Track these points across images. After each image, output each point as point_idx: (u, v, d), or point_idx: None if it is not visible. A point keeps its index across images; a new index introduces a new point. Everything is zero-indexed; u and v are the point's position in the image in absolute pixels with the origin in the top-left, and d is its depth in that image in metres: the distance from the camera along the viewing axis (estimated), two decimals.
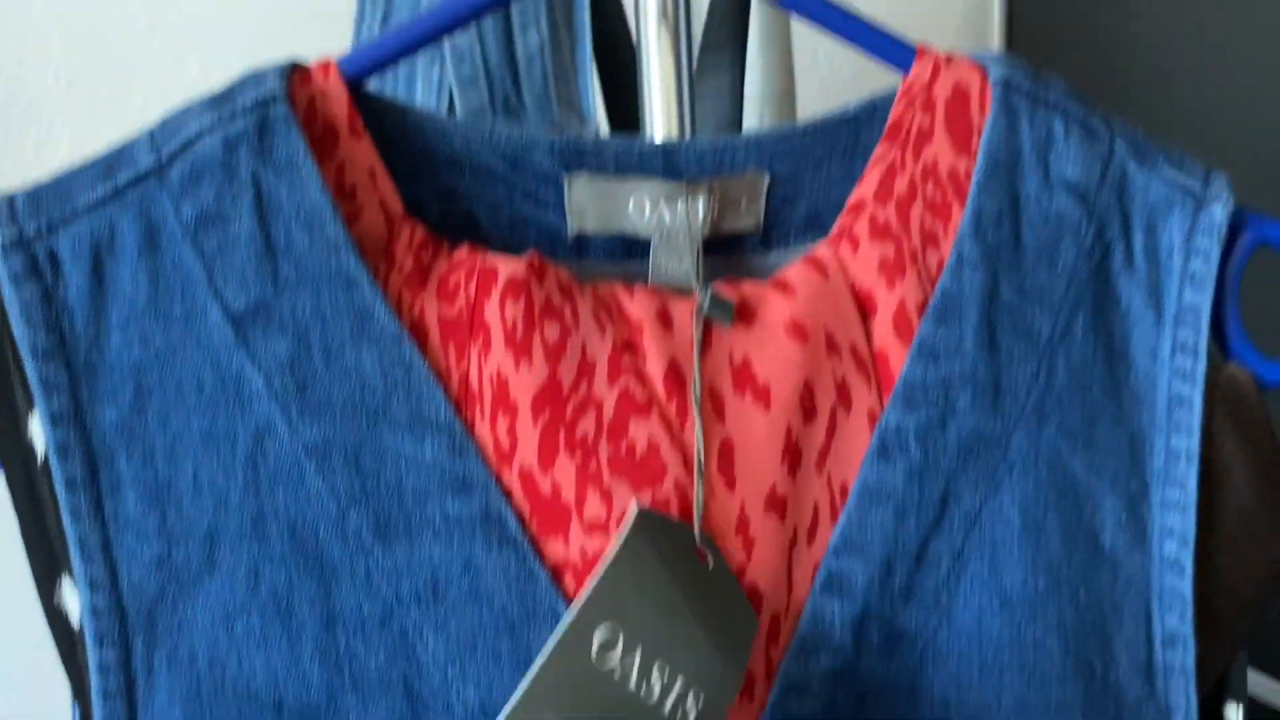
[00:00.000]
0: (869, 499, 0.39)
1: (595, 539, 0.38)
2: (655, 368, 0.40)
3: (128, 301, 0.38)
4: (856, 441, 0.41)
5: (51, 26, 0.94)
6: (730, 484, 0.39)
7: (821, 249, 0.43)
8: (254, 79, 0.40)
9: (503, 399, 0.39)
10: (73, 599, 0.38)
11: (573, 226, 0.43)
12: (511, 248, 0.44)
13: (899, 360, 0.41)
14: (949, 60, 0.43)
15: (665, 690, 0.36)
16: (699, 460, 0.39)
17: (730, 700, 0.37)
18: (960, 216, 0.42)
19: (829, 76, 1.18)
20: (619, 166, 0.43)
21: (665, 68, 0.52)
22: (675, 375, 0.40)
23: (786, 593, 0.39)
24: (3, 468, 0.39)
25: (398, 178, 0.42)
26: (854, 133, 0.44)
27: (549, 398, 0.39)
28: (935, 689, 0.39)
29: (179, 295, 0.38)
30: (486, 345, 0.39)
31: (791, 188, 0.44)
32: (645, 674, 0.36)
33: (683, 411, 0.40)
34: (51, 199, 0.39)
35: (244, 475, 0.37)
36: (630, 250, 0.44)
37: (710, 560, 0.38)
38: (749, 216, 0.44)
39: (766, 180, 0.44)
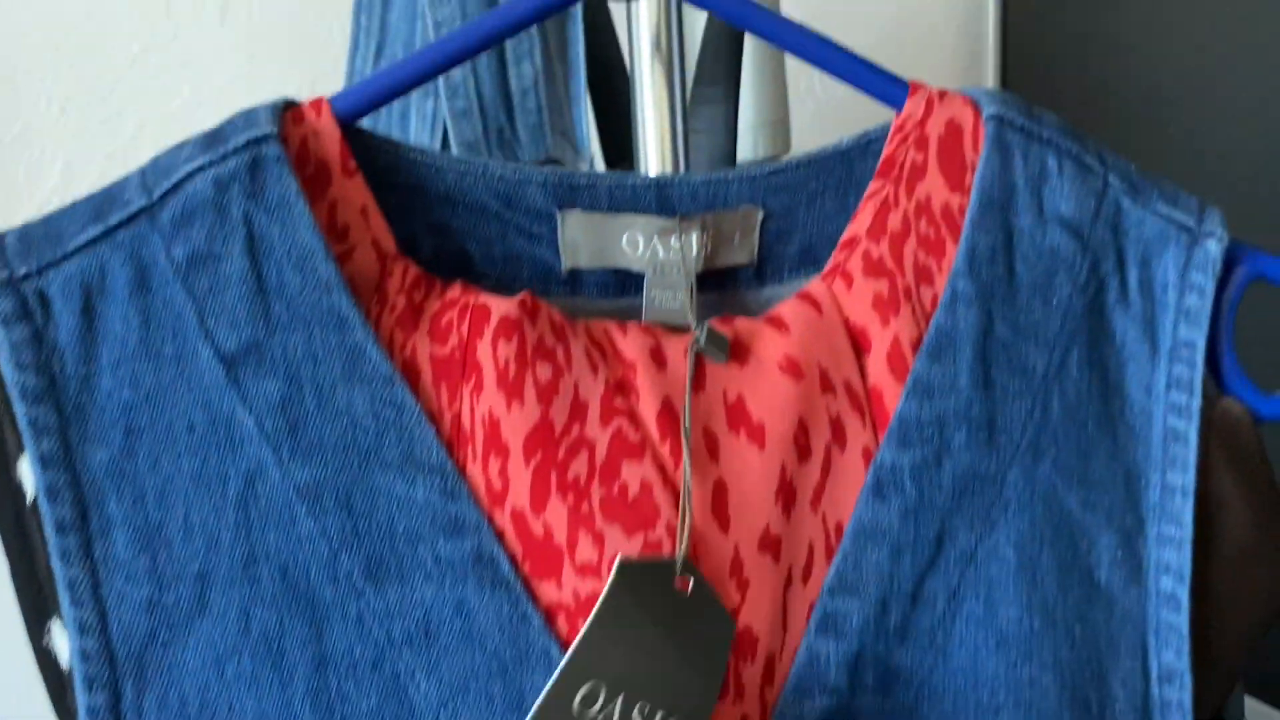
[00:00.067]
0: (864, 538, 0.39)
1: (588, 581, 0.38)
2: (648, 408, 0.40)
3: (118, 342, 0.38)
4: (851, 480, 0.40)
5: (44, 53, 0.94)
6: (724, 525, 0.39)
7: (815, 285, 0.43)
8: (246, 118, 0.40)
9: (495, 440, 0.39)
10: (62, 642, 0.38)
11: (566, 262, 0.43)
12: (505, 283, 0.44)
13: (893, 397, 0.41)
14: (942, 96, 0.43)
15: None
16: (684, 503, 0.39)
17: (708, 711, 0.37)
18: (954, 252, 0.42)
19: (824, 100, 1.19)
20: (612, 202, 0.43)
21: (659, 100, 0.52)
22: (669, 415, 0.40)
23: (781, 634, 0.39)
24: None
25: (390, 214, 0.42)
26: (847, 167, 0.44)
27: (541, 439, 0.39)
28: None
29: (170, 336, 0.38)
30: (479, 386, 0.39)
31: (785, 222, 0.44)
32: (626, 716, 0.36)
33: (676, 453, 0.39)
34: (41, 239, 0.38)
35: (235, 517, 0.37)
36: (624, 286, 0.44)
37: (691, 585, 0.38)
38: (743, 251, 0.44)
39: (760, 215, 0.44)
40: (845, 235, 0.44)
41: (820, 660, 0.39)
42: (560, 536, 0.38)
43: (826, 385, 0.41)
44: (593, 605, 0.37)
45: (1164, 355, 0.42)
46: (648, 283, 0.43)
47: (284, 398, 0.38)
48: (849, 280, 0.43)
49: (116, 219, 0.38)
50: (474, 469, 0.38)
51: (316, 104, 0.41)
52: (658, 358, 0.41)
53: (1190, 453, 0.41)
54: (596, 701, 0.36)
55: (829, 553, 0.40)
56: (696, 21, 0.67)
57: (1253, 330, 0.49)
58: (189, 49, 0.99)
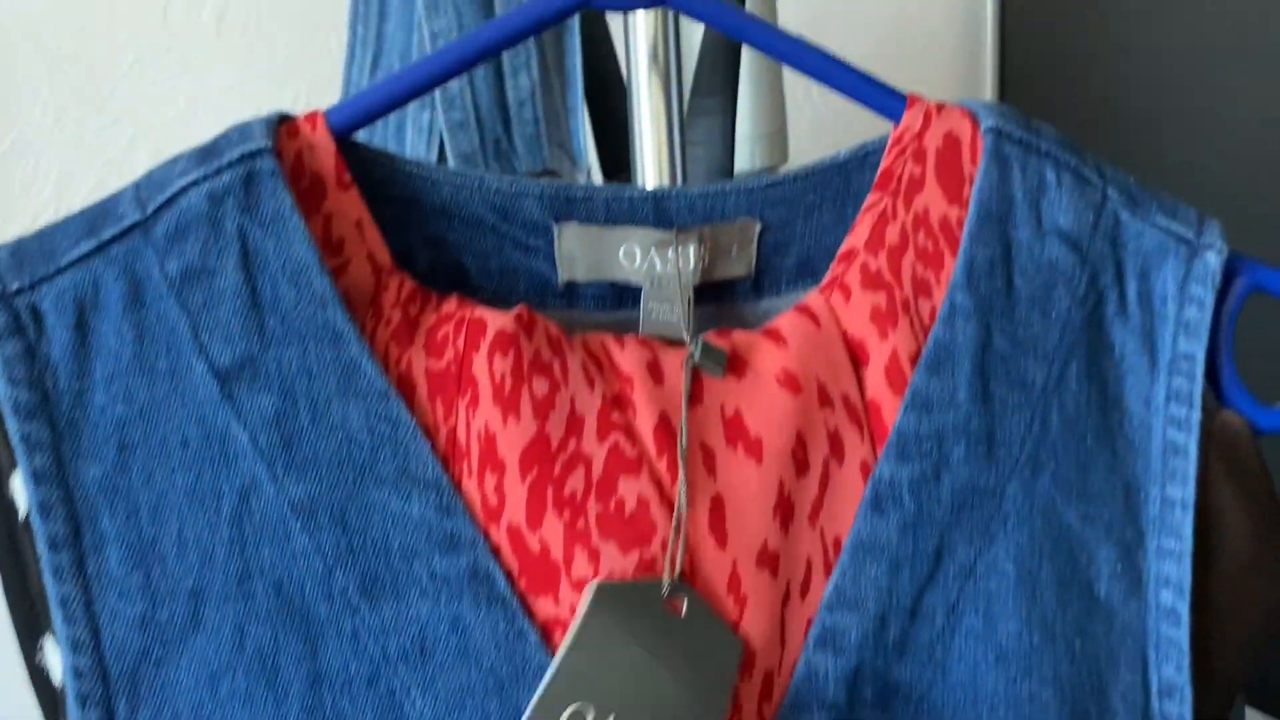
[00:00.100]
0: (862, 552, 0.39)
1: None
2: (645, 423, 0.40)
3: (112, 357, 0.38)
4: (849, 494, 0.40)
5: (38, 63, 0.94)
6: (721, 541, 0.39)
7: (813, 297, 0.43)
8: (240, 132, 0.39)
9: (490, 455, 0.38)
10: (55, 659, 0.37)
11: (563, 275, 0.43)
12: (501, 296, 0.43)
13: (892, 411, 0.40)
14: (940, 109, 0.43)
15: None
16: (678, 514, 0.38)
17: None
18: (952, 265, 0.41)
19: (821, 110, 1.19)
20: (609, 215, 0.43)
21: (656, 111, 0.52)
22: (666, 430, 0.40)
23: (779, 650, 0.39)
24: None
25: (386, 227, 0.42)
26: (845, 179, 0.44)
27: (537, 454, 0.38)
28: None
29: (164, 351, 0.38)
30: (474, 400, 0.39)
31: (783, 235, 0.44)
32: None
33: (673, 468, 0.39)
34: (35, 254, 0.38)
35: (229, 533, 0.37)
36: (621, 299, 0.44)
37: (685, 606, 0.38)
38: (740, 264, 0.44)
39: (758, 227, 0.44)
40: (843, 248, 0.44)
41: (818, 676, 0.38)
42: (557, 552, 0.38)
43: (824, 399, 0.41)
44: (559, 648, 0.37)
45: (1163, 368, 0.42)
46: (645, 295, 0.43)
47: (278, 413, 0.37)
48: (847, 293, 0.42)
49: (110, 233, 0.38)
50: (470, 484, 0.38)
51: (311, 117, 0.41)
52: (655, 372, 0.41)
53: (1190, 466, 0.41)
54: None
55: (827, 568, 0.40)
56: (694, 33, 0.67)
57: (1252, 342, 0.49)
58: (185, 59, 0.98)
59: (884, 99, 0.43)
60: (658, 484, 0.39)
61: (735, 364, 0.41)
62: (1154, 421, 0.41)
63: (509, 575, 0.38)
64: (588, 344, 0.41)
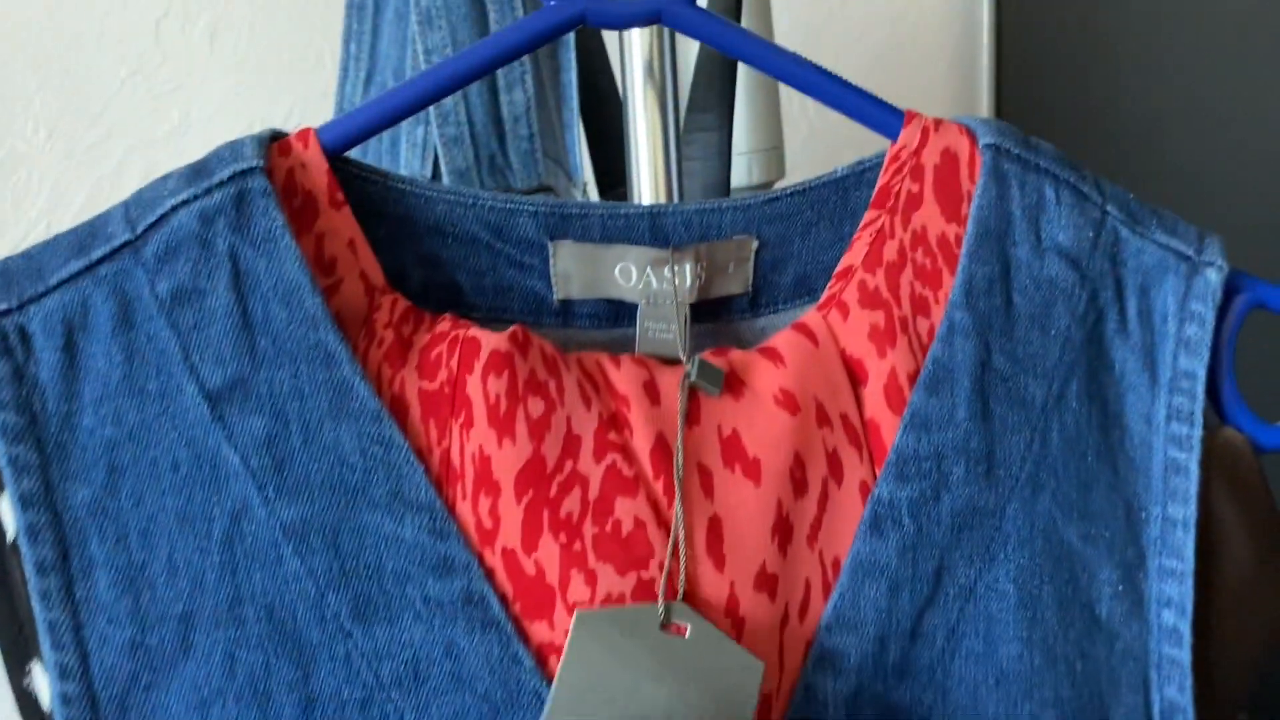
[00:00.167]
0: (862, 574, 0.39)
1: None
2: (642, 443, 0.39)
3: (101, 379, 0.37)
4: (848, 514, 0.40)
5: (30, 77, 0.94)
6: (719, 564, 0.38)
7: (811, 316, 0.43)
8: (231, 150, 0.39)
9: (485, 478, 0.38)
10: (43, 684, 0.37)
11: (558, 293, 0.43)
12: (495, 315, 0.43)
13: (891, 430, 0.40)
14: (938, 125, 0.43)
15: None
16: (674, 536, 0.38)
17: None
18: (951, 283, 0.41)
19: (817, 125, 1.19)
20: (605, 232, 0.42)
21: (652, 127, 0.51)
22: (663, 450, 0.39)
23: (778, 672, 0.38)
24: None
25: (379, 246, 0.41)
26: (842, 196, 0.44)
27: (532, 476, 0.38)
28: None
29: (154, 372, 0.37)
30: (469, 422, 0.38)
31: (780, 252, 0.44)
32: None
33: (670, 489, 0.39)
34: (22, 274, 0.38)
35: (220, 556, 0.37)
36: (617, 317, 0.44)
37: (689, 630, 0.37)
38: (737, 281, 0.44)
39: (755, 245, 0.44)
40: (841, 265, 0.43)
41: (818, 698, 0.38)
42: (552, 576, 0.37)
43: (823, 418, 0.41)
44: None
45: (1164, 386, 0.41)
46: (641, 314, 0.43)
47: (270, 435, 0.37)
48: (845, 311, 0.42)
49: (99, 253, 0.38)
50: (464, 507, 0.38)
51: (303, 135, 0.40)
52: (651, 391, 0.40)
53: (1191, 485, 0.40)
54: None
55: (826, 589, 0.39)
56: (690, 49, 0.67)
57: (1253, 359, 0.49)
58: (177, 74, 0.98)
59: (881, 115, 0.43)
60: (655, 505, 0.39)
61: (732, 383, 0.41)
62: (1155, 440, 0.41)
63: (503, 599, 0.37)
64: (583, 363, 0.41)
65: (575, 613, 0.37)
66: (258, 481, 0.37)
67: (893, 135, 0.43)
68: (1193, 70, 1.03)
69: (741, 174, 0.71)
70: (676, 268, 0.42)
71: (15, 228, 0.94)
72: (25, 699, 0.38)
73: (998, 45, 1.24)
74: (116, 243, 0.38)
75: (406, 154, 0.66)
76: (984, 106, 1.24)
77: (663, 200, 0.53)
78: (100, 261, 0.38)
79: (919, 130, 0.42)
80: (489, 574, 0.37)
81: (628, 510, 0.38)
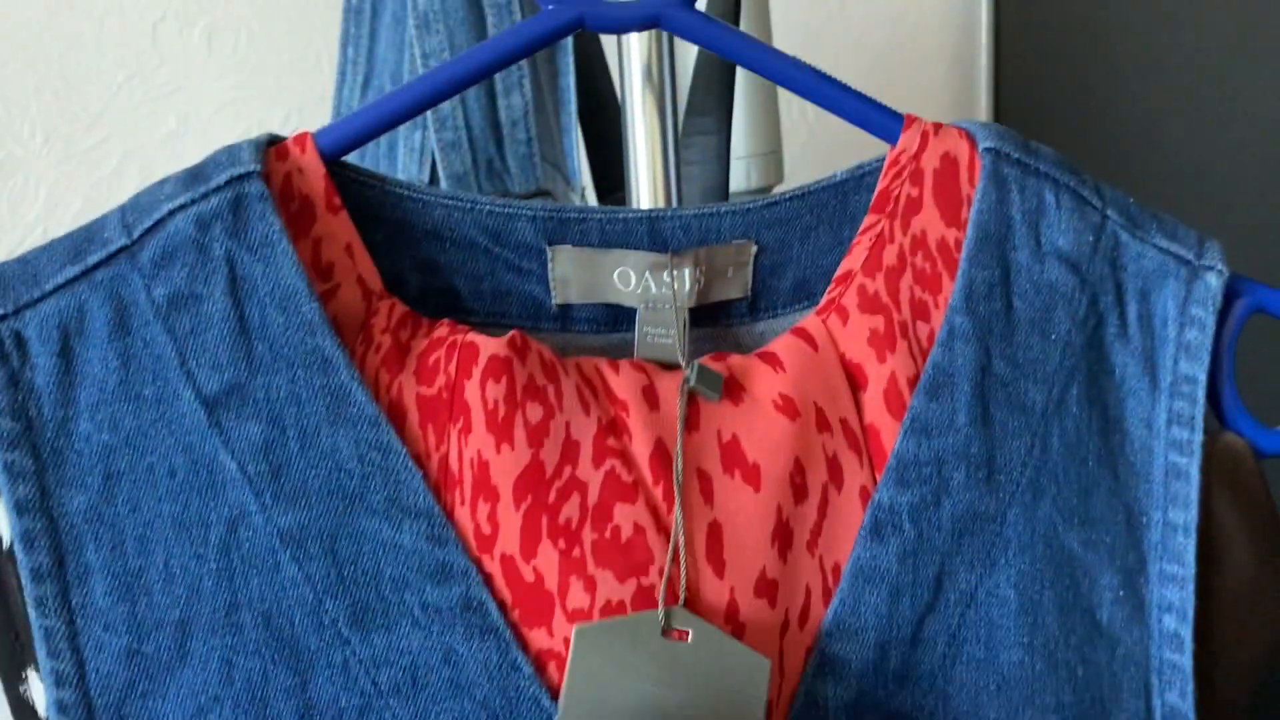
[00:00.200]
0: (862, 580, 0.39)
1: None
2: (641, 448, 0.39)
3: (97, 384, 0.37)
4: (848, 520, 0.40)
5: (27, 81, 0.94)
6: (719, 570, 0.38)
7: (810, 320, 0.43)
8: (228, 154, 0.39)
9: (484, 483, 0.38)
10: (39, 692, 0.37)
11: (556, 298, 0.43)
12: (493, 320, 0.43)
13: (891, 435, 0.40)
14: (937, 129, 0.42)
15: None
16: (674, 542, 0.38)
17: None
18: (950, 288, 0.41)
19: (816, 128, 1.19)
20: (603, 237, 0.42)
21: (651, 131, 0.51)
22: (662, 456, 0.39)
23: (779, 679, 0.38)
24: None
25: (376, 250, 0.41)
26: (842, 200, 0.44)
27: (531, 482, 0.38)
28: None
29: (150, 378, 0.37)
30: (467, 427, 0.38)
31: (779, 256, 0.44)
32: None
33: (669, 495, 0.39)
34: (18, 279, 0.38)
35: (217, 563, 0.36)
36: (616, 321, 0.44)
37: (691, 634, 0.37)
38: (736, 286, 0.44)
39: (754, 249, 0.43)
40: (840, 270, 0.43)
41: (819, 705, 0.38)
42: (551, 582, 0.37)
43: (823, 423, 0.40)
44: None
45: (1164, 390, 0.41)
46: (640, 318, 0.43)
47: (267, 440, 0.37)
48: (844, 316, 0.42)
49: (95, 258, 0.38)
50: (462, 513, 0.38)
51: (301, 139, 0.40)
52: (650, 397, 0.40)
53: (1192, 489, 0.40)
54: None
55: (826, 595, 0.39)
56: (688, 53, 0.66)
57: (1253, 364, 0.49)
58: (175, 78, 0.98)
59: (880, 119, 0.43)
60: (654, 511, 0.39)
61: (732, 389, 0.41)
62: (1155, 445, 0.41)
63: (502, 606, 0.37)
64: (582, 368, 0.41)
65: (574, 628, 0.36)
66: (255, 488, 0.37)
67: (892, 139, 0.43)
68: (1192, 70, 1.03)
69: (740, 179, 0.71)
70: (675, 272, 0.42)
71: (11, 232, 0.94)
72: (21, 706, 0.37)
73: (996, 46, 1.23)
74: (113, 248, 0.38)
75: (404, 158, 0.66)
76: (982, 107, 1.24)
77: (661, 205, 0.53)
78: (96, 267, 0.38)
79: (918, 134, 0.42)
80: (488, 580, 0.37)
81: (627, 516, 0.38)
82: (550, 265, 0.42)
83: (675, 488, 0.38)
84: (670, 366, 0.42)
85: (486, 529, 0.37)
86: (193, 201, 0.38)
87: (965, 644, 0.39)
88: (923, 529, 0.39)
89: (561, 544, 0.38)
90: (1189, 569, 0.40)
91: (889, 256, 0.42)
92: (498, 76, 0.64)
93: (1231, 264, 0.42)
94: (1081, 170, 0.43)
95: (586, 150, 0.70)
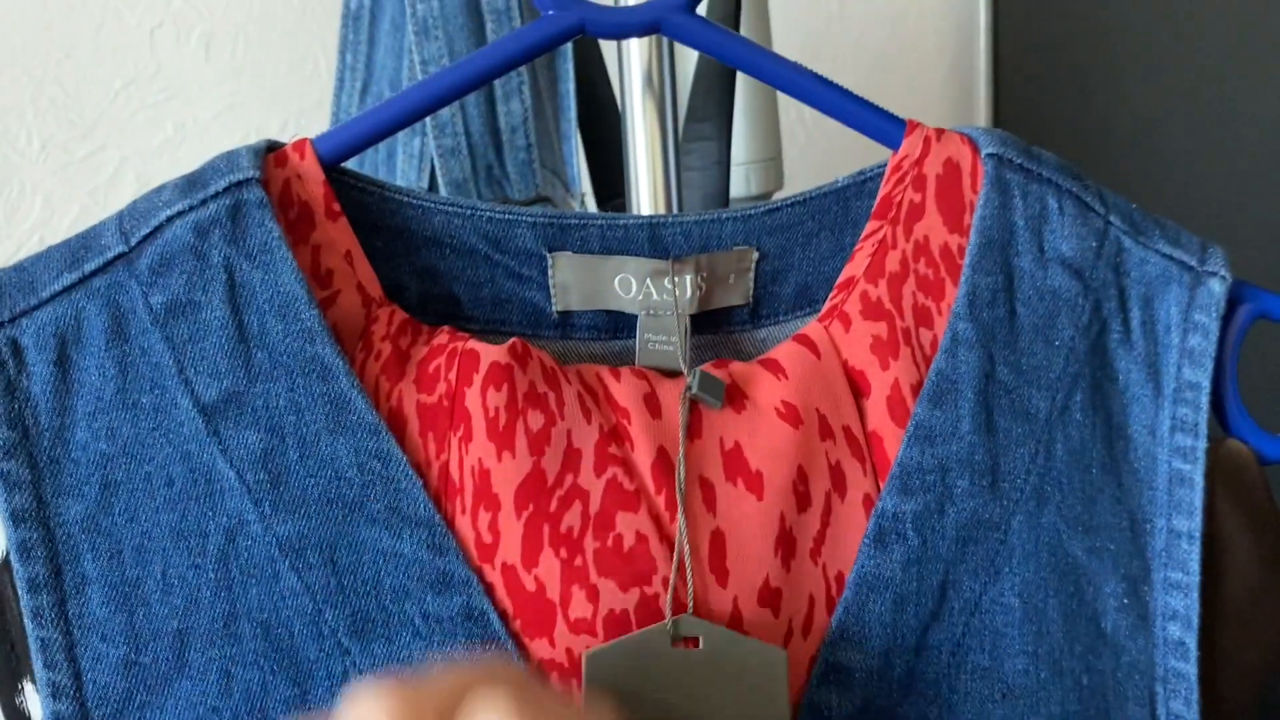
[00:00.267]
0: (866, 588, 0.38)
1: (581, 638, 0.37)
2: (643, 456, 0.39)
3: (94, 393, 0.37)
4: (852, 528, 0.39)
5: (24, 88, 0.93)
6: (722, 579, 0.38)
7: (813, 327, 0.42)
8: (227, 160, 0.39)
9: (484, 492, 0.37)
10: (36, 703, 0.37)
11: (557, 305, 0.42)
12: (494, 327, 0.43)
13: (894, 443, 0.40)
14: (940, 134, 0.42)
15: None
16: (678, 551, 0.38)
17: None
18: (954, 294, 0.41)
19: (815, 133, 1.19)
20: (604, 243, 0.42)
21: (651, 137, 0.51)
22: (664, 464, 0.39)
23: None
24: None
25: (376, 257, 0.41)
26: (844, 206, 0.43)
27: (533, 490, 0.38)
28: None
29: (148, 386, 0.37)
30: (468, 435, 0.38)
31: (781, 262, 0.44)
32: None
33: (672, 503, 0.38)
34: (14, 287, 0.37)
35: (215, 573, 0.36)
36: (617, 328, 0.43)
37: (701, 640, 0.37)
38: (737, 292, 0.43)
39: (755, 256, 0.43)
40: (842, 276, 0.43)
41: (824, 713, 0.38)
42: (553, 592, 0.37)
43: (825, 431, 0.40)
44: None
45: (1168, 397, 0.41)
46: (641, 325, 0.42)
47: (266, 449, 0.37)
48: (847, 322, 0.42)
49: (93, 265, 0.37)
50: (463, 522, 0.37)
51: (299, 145, 0.40)
52: (652, 404, 0.40)
53: (1196, 497, 0.40)
54: None
55: (830, 604, 0.39)
56: (688, 58, 0.66)
57: (1257, 370, 0.49)
58: (173, 84, 0.98)
59: (882, 125, 0.42)
60: (656, 519, 0.38)
61: (734, 396, 0.40)
62: (1159, 451, 0.41)
63: (503, 615, 0.37)
64: (583, 376, 0.41)
65: (584, 654, 0.36)
66: (254, 497, 0.36)
67: (894, 145, 0.42)
68: (1192, 73, 1.03)
69: (740, 185, 0.71)
70: (676, 279, 0.42)
71: (8, 240, 0.93)
72: (17, 718, 0.37)
73: (995, 49, 1.23)
74: (110, 255, 0.38)
75: (403, 165, 0.65)
76: (982, 109, 1.24)
77: (661, 211, 0.53)
78: (93, 274, 0.37)
79: (921, 140, 0.42)
80: (489, 590, 0.37)
81: (629, 525, 0.38)
82: (551, 272, 0.42)
83: (678, 496, 0.38)
84: (672, 374, 0.42)
85: (487, 538, 0.37)
86: (191, 208, 0.38)
87: (970, 652, 0.38)
88: (927, 537, 0.39)
89: (563, 553, 0.37)
90: (1193, 576, 0.40)
91: (891, 263, 0.42)
92: (497, 83, 0.64)
93: (1234, 270, 0.42)
94: (1084, 175, 0.43)
95: (586, 156, 0.70)
